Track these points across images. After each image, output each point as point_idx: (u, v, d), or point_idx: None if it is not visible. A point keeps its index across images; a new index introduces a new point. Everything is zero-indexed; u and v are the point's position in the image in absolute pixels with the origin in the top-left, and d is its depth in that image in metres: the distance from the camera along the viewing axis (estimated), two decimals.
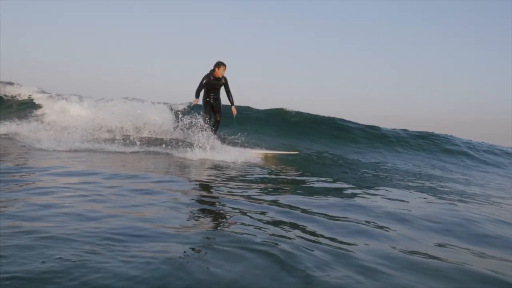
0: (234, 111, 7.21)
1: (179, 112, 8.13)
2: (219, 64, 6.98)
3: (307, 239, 2.18)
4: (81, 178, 3.47)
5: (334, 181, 4.95)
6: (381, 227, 2.65)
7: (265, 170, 5.42)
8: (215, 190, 3.53)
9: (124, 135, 7.33)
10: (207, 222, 2.37)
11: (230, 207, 2.82)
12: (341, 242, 2.21)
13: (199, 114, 7.67)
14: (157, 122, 8.31)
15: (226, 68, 7.01)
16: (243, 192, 3.47)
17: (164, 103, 9.78)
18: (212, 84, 7.01)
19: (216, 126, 7.31)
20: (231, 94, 7.16)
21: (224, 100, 7.13)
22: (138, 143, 6.64)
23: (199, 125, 7.17)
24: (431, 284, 1.73)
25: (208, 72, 7.04)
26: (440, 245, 2.35)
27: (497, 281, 1.86)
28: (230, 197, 3.21)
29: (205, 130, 7.17)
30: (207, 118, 7.11)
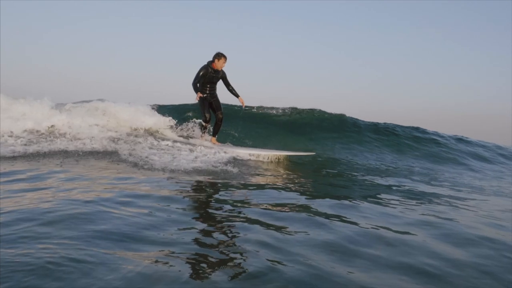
0: (242, 102, 6.68)
1: (167, 113, 7.63)
2: (219, 56, 6.35)
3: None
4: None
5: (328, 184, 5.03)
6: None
7: (263, 172, 5.30)
8: (192, 195, 3.54)
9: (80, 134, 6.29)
10: (154, 229, 2.35)
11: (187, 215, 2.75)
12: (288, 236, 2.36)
13: (187, 114, 7.45)
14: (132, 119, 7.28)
15: (227, 60, 6.42)
16: (223, 197, 3.54)
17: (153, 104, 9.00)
18: (210, 77, 6.42)
19: (218, 125, 6.79)
20: (232, 87, 6.63)
21: (224, 97, 6.81)
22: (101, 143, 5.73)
23: (199, 125, 6.69)
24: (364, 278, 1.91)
25: (205, 63, 6.41)
26: (389, 244, 2.53)
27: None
28: (200, 203, 3.23)
29: (206, 130, 6.84)
30: (207, 117, 6.57)
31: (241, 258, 2.02)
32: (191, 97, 6.42)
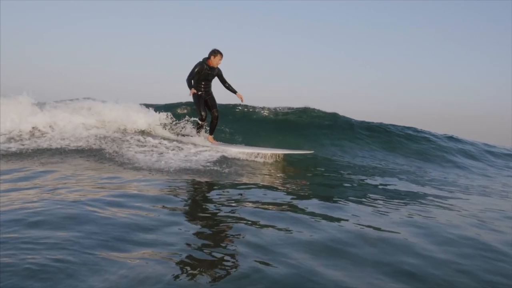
0: (241, 97, 6.56)
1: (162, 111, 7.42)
2: (215, 52, 6.25)
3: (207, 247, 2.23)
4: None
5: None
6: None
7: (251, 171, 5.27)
8: (179, 195, 3.49)
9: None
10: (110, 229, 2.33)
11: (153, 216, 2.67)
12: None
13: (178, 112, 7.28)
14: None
15: (223, 58, 6.32)
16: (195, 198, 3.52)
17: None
18: (205, 74, 6.32)
19: (214, 123, 6.68)
20: (229, 84, 6.56)
21: (219, 96, 6.64)
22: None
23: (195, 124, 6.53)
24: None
25: (200, 60, 6.32)
26: (372, 243, 2.57)
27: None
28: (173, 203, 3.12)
29: (202, 128, 6.66)
30: (203, 115, 6.45)
31: (226, 259, 2.05)
32: (185, 95, 6.37)
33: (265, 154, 6.31)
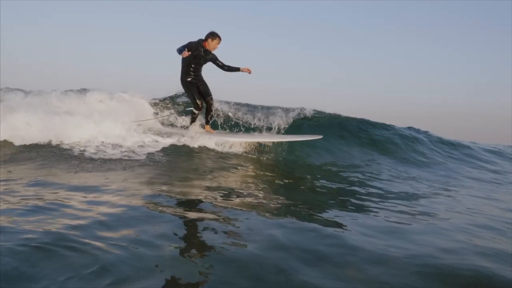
0: (249, 70, 5.73)
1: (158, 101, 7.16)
2: (214, 35, 5.56)
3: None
4: None
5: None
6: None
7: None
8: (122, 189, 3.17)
9: None
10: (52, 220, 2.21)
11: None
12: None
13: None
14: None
15: (221, 42, 5.66)
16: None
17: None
18: (198, 55, 5.60)
19: (210, 112, 6.01)
20: (227, 65, 5.75)
21: (215, 79, 6.16)
22: None
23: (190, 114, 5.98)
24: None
25: (195, 40, 5.59)
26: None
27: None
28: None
29: (197, 118, 6.09)
30: (199, 104, 5.81)
31: (167, 260, 1.88)
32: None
33: (269, 141, 5.82)
